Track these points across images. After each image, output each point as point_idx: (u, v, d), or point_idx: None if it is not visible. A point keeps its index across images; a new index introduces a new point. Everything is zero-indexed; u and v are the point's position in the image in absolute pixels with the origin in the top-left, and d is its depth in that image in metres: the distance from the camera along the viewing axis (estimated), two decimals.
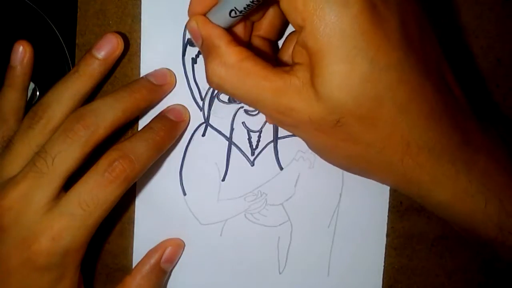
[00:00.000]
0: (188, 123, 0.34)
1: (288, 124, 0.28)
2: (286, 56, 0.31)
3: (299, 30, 0.25)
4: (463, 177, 0.27)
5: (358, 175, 0.30)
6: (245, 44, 0.31)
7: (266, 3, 0.30)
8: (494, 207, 0.27)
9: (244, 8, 0.26)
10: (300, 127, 0.27)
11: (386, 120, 0.25)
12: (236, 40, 0.28)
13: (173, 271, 0.35)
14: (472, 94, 0.29)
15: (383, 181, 0.30)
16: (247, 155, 0.35)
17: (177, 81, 0.34)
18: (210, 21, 0.28)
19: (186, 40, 0.34)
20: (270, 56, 0.32)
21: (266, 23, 0.31)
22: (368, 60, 0.24)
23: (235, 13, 0.27)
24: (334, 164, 0.30)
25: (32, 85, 0.36)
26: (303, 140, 0.29)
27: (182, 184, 0.35)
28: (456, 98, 0.28)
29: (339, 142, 0.27)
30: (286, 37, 0.32)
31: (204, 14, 0.29)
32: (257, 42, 0.32)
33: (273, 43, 0.33)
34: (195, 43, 0.30)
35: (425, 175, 0.27)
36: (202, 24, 0.28)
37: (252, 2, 0.26)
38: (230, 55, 0.27)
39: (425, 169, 0.26)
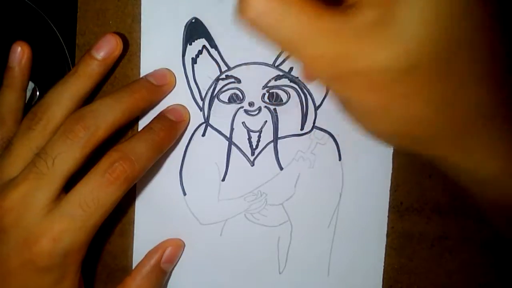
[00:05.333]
0: (188, 123, 0.34)
1: (333, 76, 0.22)
2: None
3: None
4: None
5: (403, 145, 0.25)
6: None
7: None
8: None
9: None
10: (350, 79, 0.22)
11: (459, 69, 0.21)
12: None
13: (173, 271, 0.35)
14: None
15: (431, 150, 0.25)
16: (247, 155, 0.35)
17: (177, 81, 0.34)
18: None
19: None
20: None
21: None
22: None
23: None
24: (377, 131, 0.25)
25: (32, 85, 0.36)
26: (344, 98, 0.24)
27: (182, 184, 0.35)
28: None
29: (397, 98, 0.22)
30: None
31: None
32: None
33: None
34: None
35: (481, 144, 0.23)
36: None
37: None
38: None
39: (483, 136, 0.23)
